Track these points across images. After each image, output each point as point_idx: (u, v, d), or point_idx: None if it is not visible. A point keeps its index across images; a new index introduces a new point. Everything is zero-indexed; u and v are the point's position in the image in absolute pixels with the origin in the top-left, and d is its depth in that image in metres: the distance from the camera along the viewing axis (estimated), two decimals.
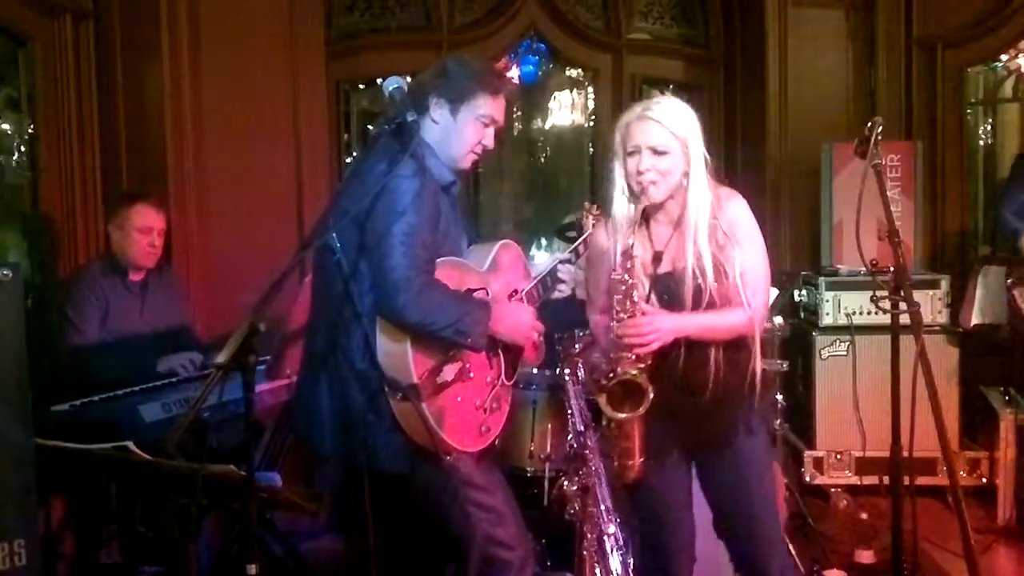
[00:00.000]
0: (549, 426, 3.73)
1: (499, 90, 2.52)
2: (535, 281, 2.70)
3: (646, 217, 2.44)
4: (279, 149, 4.50)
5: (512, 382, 2.68)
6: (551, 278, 2.74)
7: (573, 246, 2.94)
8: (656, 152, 2.37)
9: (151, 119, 4.18)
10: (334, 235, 2.26)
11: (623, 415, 2.35)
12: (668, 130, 2.36)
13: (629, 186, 2.42)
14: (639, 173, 2.37)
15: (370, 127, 5.21)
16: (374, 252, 2.29)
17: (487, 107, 2.50)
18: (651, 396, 2.30)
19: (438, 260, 2.38)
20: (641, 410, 2.32)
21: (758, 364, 2.44)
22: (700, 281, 2.37)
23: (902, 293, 2.42)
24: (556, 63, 5.56)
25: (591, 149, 5.64)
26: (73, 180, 4.04)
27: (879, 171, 2.48)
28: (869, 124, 2.50)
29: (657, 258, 2.44)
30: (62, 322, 3.42)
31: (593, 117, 5.59)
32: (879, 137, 2.47)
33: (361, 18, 5.08)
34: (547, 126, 5.68)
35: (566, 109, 5.69)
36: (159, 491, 2.90)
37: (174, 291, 3.82)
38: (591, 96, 5.58)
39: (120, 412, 2.85)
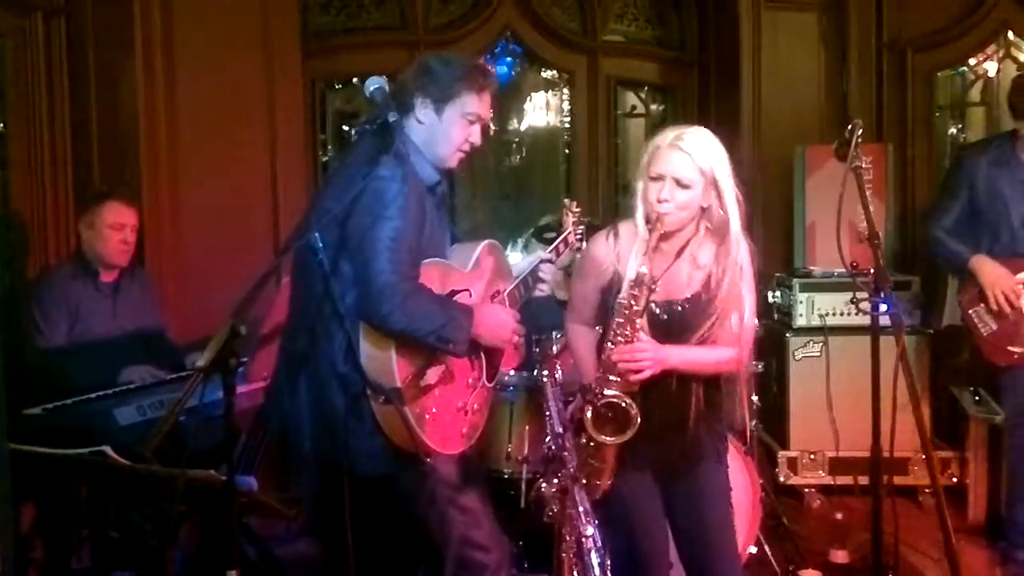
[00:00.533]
0: (527, 428, 3.73)
1: (484, 87, 2.52)
2: (517, 281, 2.70)
3: (648, 241, 2.41)
4: (254, 148, 4.47)
5: (493, 384, 2.67)
6: (532, 278, 2.74)
7: (553, 244, 2.95)
8: (680, 184, 2.36)
9: (124, 117, 4.13)
10: (316, 235, 2.24)
11: (606, 439, 2.34)
12: (696, 164, 2.35)
13: (649, 210, 2.41)
14: (659, 202, 2.36)
15: (345, 127, 5.20)
16: (357, 254, 2.28)
17: (473, 105, 2.49)
18: (637, 423, 2.31)
19: (423, 261, 2.37)
20: (625, 437, 2.34)
21: (745, 403, 2.48)
22: (720, 317, 2.39)
23: (882, 295, 2.44)
24: (531, 65, 5.56)
25: (567, 151, 5.64)
26: (44, 178, 3.98)
27: (859, 174, 2.51)
28: (850, 127, 2.54)
29: (652, 283, 2.40)
30: (29, 326, 3.36)
31: (569, 119, 5.59)
32: (859, 140, 2.50)
33: (336, 17, 5.04)
34: (522, 127, 5.67)
35: (541, 111, 5.70)
36: (137, 496, 2.87)
37: (147, 292, 3.77)
38: (566, 97, 5.58)
39: (94, 416, 2.81)
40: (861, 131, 2.51)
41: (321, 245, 2.25)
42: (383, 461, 2.38)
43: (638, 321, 2.35)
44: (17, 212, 3.89)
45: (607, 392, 2.35)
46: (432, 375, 2.37)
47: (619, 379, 2.35)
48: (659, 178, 2.38)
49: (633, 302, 2.34)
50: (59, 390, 3.12)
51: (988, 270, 3.63)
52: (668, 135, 2.41)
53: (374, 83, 2.37)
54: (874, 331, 2.57)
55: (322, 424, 2.38)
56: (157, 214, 4.15)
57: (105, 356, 3.44)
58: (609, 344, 2.36)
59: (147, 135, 4.14)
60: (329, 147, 5.14)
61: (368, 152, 2.32)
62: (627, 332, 2.35)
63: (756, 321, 2.53)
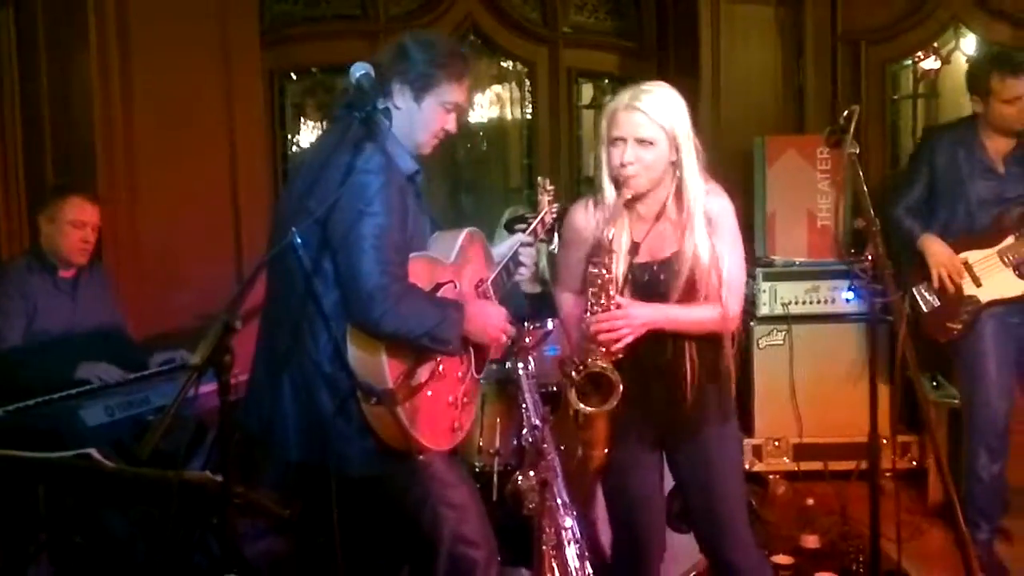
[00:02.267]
0: (498, 420, 3.72)
1: (463, 75, 2.46)
2: (499, 268, 2.68)
3: (625, 206, 2.42)
4: (212, 140, 4.39)
5: (481, 375, 2.65)
6: (513, 263, 2.72)
7: (532, 225, 2.91)
8: (641, 143, 2.34)
9: (77, 109, 4.03)
10: (294, 232, 2.16)
11: (591, 409, 2.34)
12: (655, 121, 2.33)
13: (615, 175, 2.39)
14: (622, 165, 2.35)
15: (303, 118, 5.12)
16: (341, 252, 2.22)
17: (451, 93, 2.44)
18: (620, 391, 2.31)
19: (409, 255, 2.32)
20: (609, 405, 2.33)
21: (730, 361, 2.48)
22: (696, 273, 2.38)
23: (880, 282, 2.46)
24: (491, 55, 5.53)
25: (527, 142, 5.62)
26: None
27: (854, 160, 2.52)
28: (846, 112, 2.54)
29: (634, 248, 2.43)
30: None
31: (530, 110, 5.57)
32: (854, 126, 2.51)
33: (295, 6, 4.95)
34: (483, 119, 5.64)
35: (501, 102, 5.67)
36: (125, 500, 2.79)
37: (106, 289, 3.69)
38: (528, 89, 5.57)
39: (60, 417, 2.73)
40: (856, 117, 2.51)
41: (300, 241, 2.18)
42: (373, 461, 2.34)
43: (611, 288, 2.34)
44: None
45: (588, 362, 2.33)
46: (423, 373, 2.33)
47: (602, 349, 2.34)
48: (620, 140, 2.36)
49: (603, 270, 2.34)
50: (15, 390, 3.02)
51: (935, 250, 3.70)
52: (624, 96, 2.39)
53: (360, 68, 2.30)
54: (872, 318, 2.59)
55: (309, 427, 2.32)
56: (113, 207, 4.04)
57: (64, 354, 3.35)
58: (587, 314, 2.36)
59: (102, 128, 4.04)
60: (289, 138, 5.04)
61: (352, 141, 2.25)
62: (602, 301, 2.34)
63: (743, 275, 2.50)
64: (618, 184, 2.38)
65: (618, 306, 2.34)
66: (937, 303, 3.74)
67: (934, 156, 3.81)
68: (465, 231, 2.60)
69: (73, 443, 2.63)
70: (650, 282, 2.43)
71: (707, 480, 2.52)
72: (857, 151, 2.54)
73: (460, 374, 2.51)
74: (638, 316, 2.35)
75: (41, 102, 3.98)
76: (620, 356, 2.36)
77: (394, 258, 2.23)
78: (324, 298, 2.26)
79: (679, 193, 2.41)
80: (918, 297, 3.77)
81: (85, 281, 3.55)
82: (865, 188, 2.52)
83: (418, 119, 2.42)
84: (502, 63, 5.56)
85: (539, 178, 2.99)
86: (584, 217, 2.51)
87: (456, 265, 2.51)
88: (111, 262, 3.95)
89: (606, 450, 2.46)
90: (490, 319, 2.49)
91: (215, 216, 4.35)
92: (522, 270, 2.76)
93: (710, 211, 2.42)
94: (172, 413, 1.74)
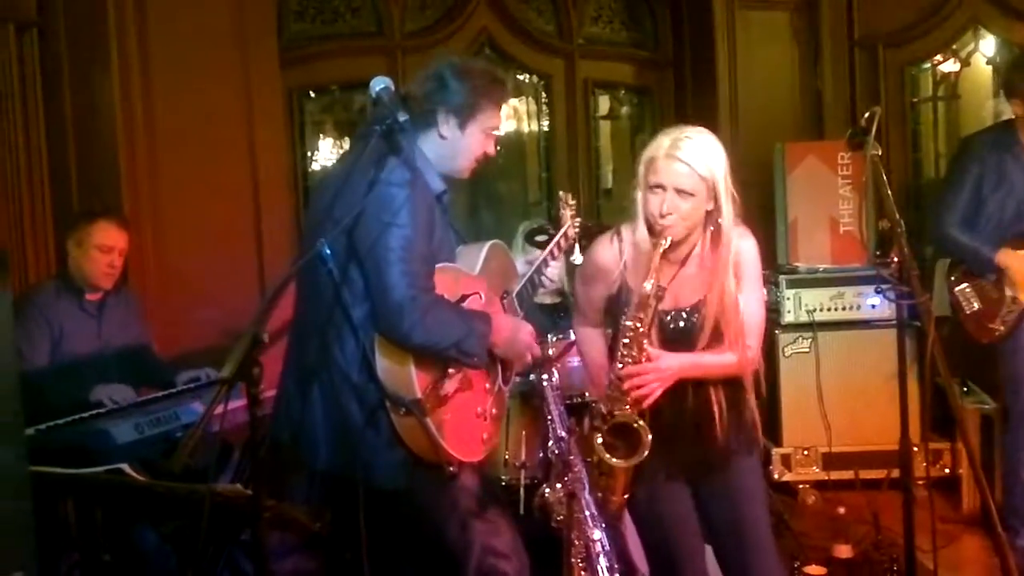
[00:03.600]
0: (523, 433, 3.70)
1: (503, 99, 2.52)
2: (523, 282, 2.68)
3: (652, 251, 2.38)
4: (234, 158, 4.41)
5: (509, 386, 2.64)
6: (538, 276, 2.72)
7: (554, 240, 2.91)
8: (680, 193, 2.31)
9: (101, 131, 4.05)
10: (324, 243, 2.18)
11: (618, 463, 2.33)
12: (696, 172, 2.30)
13: (649, 220, 2.37)
14: (661, 215, 2.32)
15: (322, 135, 5.14)
16: (368, 264, 2.23)
17: (493, 119, 2.48)
18: (648, 444, 2.29)
19: (436, 266, 2.34)
20: (636, 459, 2.31)
21: (752, 402, 2.48)
22: (721, 319, 2.38)
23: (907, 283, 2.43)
24: (505, 70, 5.53)
25: (545, 155, 5.62)
26: (21, 195, 3.89)
27: (876, 162, 2.50)
28: (867, 114, 2.52)
29: (660, 292, 2.38)
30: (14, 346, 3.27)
31: (547, 122, 5.57)
32: (876, 129, 2.49)
33: (312, 25, 4.98)
34: (500, 133, 5.63)
35: (518, 116, 5.67)
36: (155, 515, 2.80)
37: (132, 310, 3.70)
38: (544, 101, 5.57)
39: (91, 435, 2.74)
40: (877, 119, 2.49)
41: (329, 253, 2.19)
42: (403, 474, 2.34)
43: (645, 342, 2.32)
44: None
45: (616, 413, 2.33)
46: (451, 384, 2.34)
47: (629, 399, 2.33)
48: (659, 188, 2.33)
49: (639, 324, 2.31)
50: (43, 411, 3.04)
51: (1018, 266, 3.66)
52: (663, 143, 2.35)
53: (380, 83, 2.33)
54: (900, 322, 2.57)
55: (338, 436, 2.33)
56: (138, 228, 4.06)
57: (91, 375, 3.37)
58: (618, 365, 2.34)
59: (126, 150, 4.07)
60: (308, 155, 5.07)
61: (376, 155, 2.27)
62: (634, 352, 2.32)
63: (763, 316, 2.50)
64: (653, 231, 2.36)
65: (649, 358, 2.32)
66: (978, 304, 3.71)
67: (976, 164, 3.78)
68: (488, 244, 2.62)
69: (103, 461, 2.65)
70: (676, 329, 2.42)
71: (736, 507, 2.50)
72: (879, 153, 2.52)
73: (488, 386, 2.52)
74: (668, 368, 2.34)
75: (65, 124, 4.01)
76: (646, 406, 2.35)
77: (420, 270, 2.24)
78: (352, 308, 2.27)
79: (715, 241, 2.40)
80: (960, 298, 3.75)
81: (112, 303, 3.57)
82: (889, 190, 2.49)
83: (462, 146, 2.44)
84: (518, 76, 5.57)
85: (560, 192, 2.99)
86: (609, 253, 2.48)
87: (481, 277, 2.52)
88: (136, 281, 3.96)
89: (625, 497, 2.45)
90: (518, 333, 2.51)
91: (237, 234, 4.37)
92: (546, 282, 2.76)
93: (738, 253, 2.41)
94: (204, 425, 1.73)
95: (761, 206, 5.07)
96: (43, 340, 3.36)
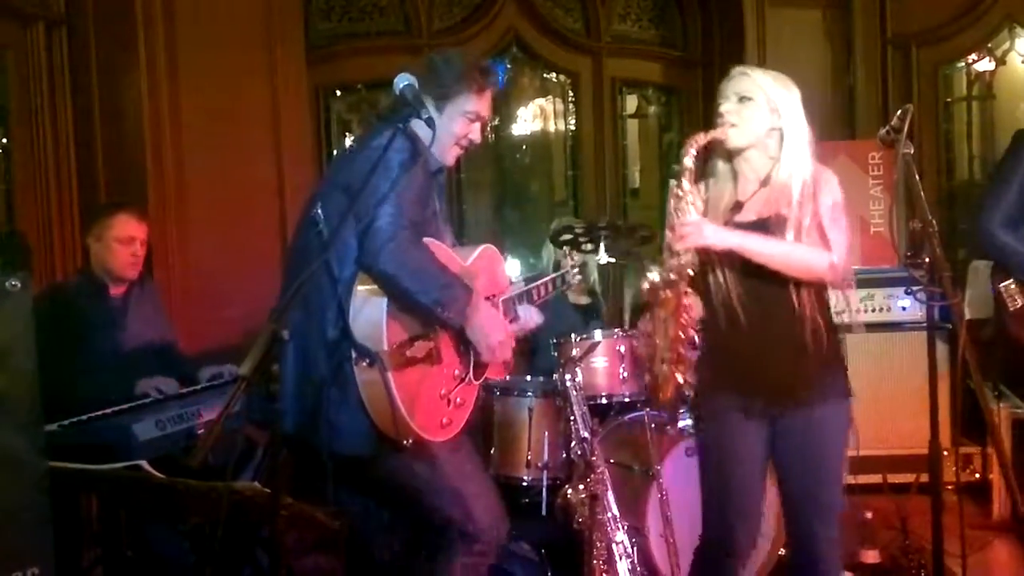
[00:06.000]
0: (545, 433, 3.67)
1: (485, 87, 2.57)
2: (509, 296, 2.72)
3: (734, 169, 2.48)
4: (260, 156, 4.42)
5: (479, 383, 2.64)
6: (561, 280, 2.74)
7: (548, 278, 2.97)
8: (741, 98, 2.42)
9: (128, 128, 4.08)
10: (319, 211, 2.27)
11: (654, 279, 2.36)
12: (756, 83, 2.44)
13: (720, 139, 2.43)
14: (720, 115, 2.42)
15: (348, 134, 5.15)
16: (365, 216, 2.28)
17: (473, 104, 2.55)
18: (683, 287, 2.36)
19: (425, 239, 2.38)
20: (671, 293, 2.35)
21: (854, 316, 2.44)
22: (782, 235, 2.36)
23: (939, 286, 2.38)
24: (533, 68, 5.52)
25: (571, 154, 5.59)
26: (49, 192, 3.94)
27: (909, 161, 2.44)
28: (900, 112, 2.48)
29: (737, 207, 2.45)
30: (41, 342, 3.28)
31: (574, 121, 5.54)
32: (909, 126, 2.44)
33: (339, 23, 5.00)
34: (527, 132, 5.63)
35: (544, 115, 5.65)
36: (173, 513, 2.80)
37: (156, 305, 3.70)
38: (571, 100, 5.54)
39: (113, 432, 2.73)
40: (911, 116, 2.44)
41: (322, 216, 2.26)
42: (365, 441, 2.36)
43: (686, 205, 2.36)
44: (22, 227, 3.83)
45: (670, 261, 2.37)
46: (420, 349, 2.36)
47: (671, 256, 2.36)
48: (724, 99, 2.45)
49: (684, 183, 2.37)
50: (69, 407, 3.06)
51: None
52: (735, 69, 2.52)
53: (404, 79, 2.41)
54: (930, 324, 2.51)
55: (305, 397, 2.34)
56: (164, 224, 4.10)
57: (116, 371, 3.37)
58: (667, 232, 2.40)
59: (152, 147, 4.10)
60: (334, 153, 5.07)
61: (383, 131, 2.35)
62: (681, 210, 2.37)
63: (846, 244, 2.43)
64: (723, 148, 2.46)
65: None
66: (1021, 302, 3.64)
67: None
68: (483, 246, 2.69)
69: (125, 457, 2.64)
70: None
71: (813, 461, 2.45)
72: (912, 151, 2.46)
73: (457, 372, 2.53)
74: (707, 227, 2.35)
75: (93, 122, 4.05)
76: (689, 264, 2.37)
77: (408, 213, 2.31)
78: (339, 270, 2.31)
79: (775, 160, 2.43)
80: (1005, 295, 3.67)
81: (135, 298, 3.58)
82: (920, 189, 2.43)
83: (441, 128, 2.50)
84: (545, 75, 5.55)
85: (565, 249, 3.00)
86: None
87: (470, 269, 2.55)
88: (161, 277, 3.99)
89: (677, 372, 2.39)
90: (494, 324, 2.51)
91: (262, 232, 4.38)
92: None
93: (819, 180, 2.42)
94: (222, 422, 1.72)
95: None
96: (69, 335, 3.38)
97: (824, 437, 2.45)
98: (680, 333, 2.39)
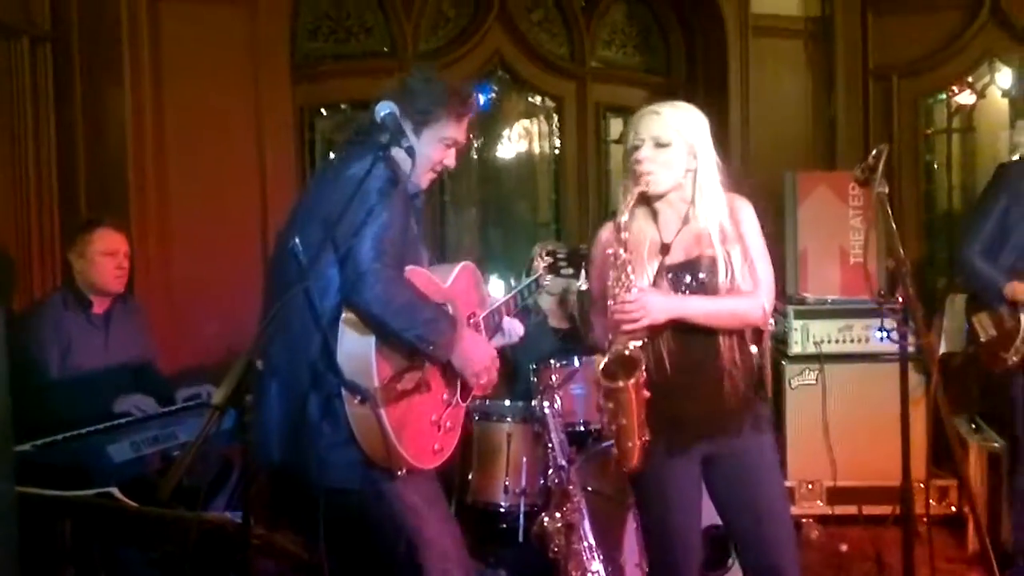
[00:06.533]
0: (524, 459, 3.67)
1: (464, 113, 2.57)
2: (490, 311, 2.70)
3: (654, 211, 2.48)
4: (243, 174, 4.40)
5: (467, 403, 2.64)
6: (535, 285, 2.82)
7: (523, 284, 2.96)
8: (658, 144, 2.41)
9: (111, 144, 4.07)
10: (296, 241, 2.23)
11: (619, 383, 2.30)
12: (670, 126, 2.43)
13: (638, 183, 2.43)
14: (637, 161, 2.42)
15: (332, 154, 5.14)
16: (344, 248, 2.27)
17: (451, 130, 2.55)
18: (643, 364, 2.30)
19: (407, 268, 2.37)
20: (634, 379, 2.29)
21: (767, 359, 2.47)
22: (715, 275, 2.39)
23: (911, 323, 2.42)
24: (519, 91, 5.54)
25: (555, 178, 5.61)
26: (29, 207, 3.92)
27: (883, 200, 2.48)
28: (875, 152, 2.51)
29: (665, 249, 2.45)
30: (23, 360, 3.27)
31: (558, 144, 5.57)
32: (885, 162, 2.48)
33: (325, 43, 5.00)
34: (511, 155, 5.65)
35: (529, 136, 5.67)
36: (144, 540, 2.78)
37: (138, 323, 3.69)
38: (555, 124, 5.57)
39: (87, 453, 2.73)
40: (885, 156, 2.48)
41: (301, 248, 2.22)
42: (356, 473, 2.34)
43: (629, 268, 2.34)
44: (1, 242, 3.80)
45: (615, 347, 2.34)
46: (409, 380, 2.35)
47: (622, 334, 2.34)
48: (639, 144, 2.44)
49: (620, 248, 2.35)
50: (49, 424, 3.04)
51: None
52: (646, 107, 2.52)
53: (386, 107, 2.39)
54: (903, 360, 2.54)
55: (292, 431, 2.33)
56: (145, 241, 4.08)
57: (95, 389, 3.36)
58: (610, 301, 2.36)
59: (135, 163, 4.08)
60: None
61: (360, 157, 2.34)
62: (623, 281, 2.34)
63: (771, 273, 2.49)
64: (637, 182, 2.44)
65: (640, 289, 2.35)
66: (993, 332, 3.69)
67: (1004, 193, 3.77)
68: (461, 264, 2.67)
69: (99, 479, 2.64)
70: (685, 284, 2.43)
71: (752, 484, 2.47)
72: (887, 190, 2.51)
73: (445, 396, 2.53)
74: (653, 303, 2.34)
75: (76, 138, 4.03)
76: (642, 339, 2.35)
77: (390, 250, 2.30)
78: (320, 301, 2.30)
79: (697, 199, 2.45)
80: (977, 326, 3.74)
81: (117, 317, 3.56)
82: (895, 227, 2.47)
83: (419, 154, 2.47)
84: (530, 98, 5.57)
85: (538, 245, 3.01)
86: (607, 232, 2.52)
87: (449, 290, 2.55)
88: (142, 293, 3.96)
89: (641, 440, 2.35)
90: (478, 350, 2.52)
91: (243, 250, 4.35)
92: (510, 336, 2.79)
93: (735, 212, 2.46)
94: (193, 453, 1.71)
95: (770, 235, 5.03)
96: (53, 351, 3.37)
97: (751, 469, 2.47)
98: (643, 406, 2.35)
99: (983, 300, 3.79)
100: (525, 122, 5.67)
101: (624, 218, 2.36)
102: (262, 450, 2.38)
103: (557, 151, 5.57)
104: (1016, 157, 4.09)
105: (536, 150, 5.66)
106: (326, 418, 2.31)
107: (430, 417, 2.47)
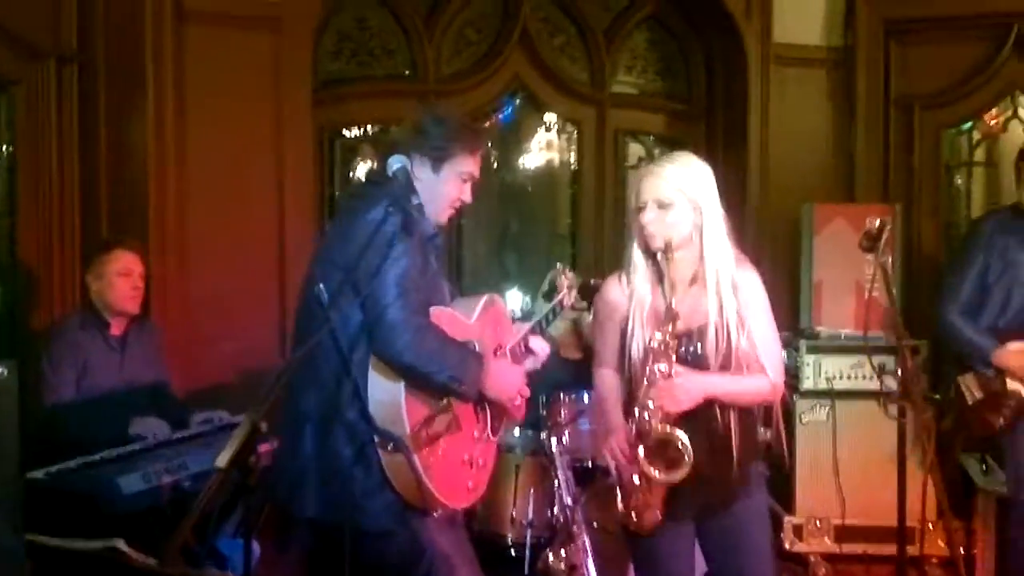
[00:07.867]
0: (531, 491, 3.70)
1: (478, 147, 2.63)
2: (518, 339, 2.72)
3: (658, 271, 2.46)
4: (263, 196, 4.45)
5: (497, 437, 2.68)
6: (523, 347, 2.76)
7: (550, 306, 2.95)
8: (661, 205, 2.40)
9: (133, 166, 4.13)
10: (322, 287, 2.28)
11: (659, 476, 2.32)
12: (673, 185, 2.41)
13: (645, 243, 2.45)
14: (643, 226, 2.42)
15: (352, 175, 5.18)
16: (367, 297, 2.31)
17: (467, 165, 2.59)
18: (688, 465, 2.31)
19: (431, 308, 2.41)
20: (677, 476, 2.32)
21: (780, 431, 2.48)
22: (723, 338, 2.39)
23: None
24: (538, 111, 5.55)
25: (572, 202, 5.62)
26: (51, 226, 3.99)
27: (886, 269, 2.49)
28: (878, 222, 2.53)
29: (673, 315, 2.43)
30: (38, 380, 3.33)
31: (576, 169, 5.58)
32: (887, 236, 2.49)
33: (347, 65, 5.04)
34: (529, 176, 5.66)
35: (549, 159, 5.68)
36: None
37: (154, 346, 3.74)
38: (574, 148, 5.58)
39: (98, 483, 2.76)
40: (889, 227, 2.49)
41: (327, 296, 2.26)
42: (391, 516, 2.38)
43: (672, 354, 2.36)
44: (24, 261, 3.87)
45: (659, 427, 2.34)
46: (440, 423, 2.39)
47: (658, 413, 2.35)
48: (643, 206, 2.43)
49: (668, 338, 2.35)
50: (64, 445, 3.08)
51: (1016, 365, 3.57)
52: (647, 166, 2.56)
53: (398, 162, 2.46)
54: (901, 412, 2.56)
55: (328, 480, 2.37)
56: (164, 262, 4.13)
57: (111, 410, 3.41)
58: (646, 382, 2.37)
59: (156, 185, 4.13)
60: (337, 195, 5.10)
61: (375, 201, 2.39)
62: (663, 367, 2.35)
63: (779, 346, 2.53)
64: (647, 249, 2.44)
65: (677, 374, 2.36)
66: (979, 395, 3.64)
67: (981, 251, 3.69)
68: (485, 296, 2.70)
69: (109, 510, 2.67)
70: (690, 351, 2.43)
71: (739, 568, 2.50)
72: (889, 259, 2.52)
73: (476, 433, 2.57)
74: (691, 387, 2.36)
75: (99, 159, 4.09)
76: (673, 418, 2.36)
77: (414, 296, 2.34)
78: (349, 349, 2.34)
79: (703, 257, 2.45)
80: (963, 388, 3.67)
81: (133, 339, 3.62)
82: (896, 302, 2.50)
83: (437, 191, 2.55)
84: (544, 116, 5.58)
85: (558, 264, 3.03)
86: (618, 290, 2.54)
87: (475, 326, 2.58)
88: (159, 315, 4.01)
89: (659, 513, 2.40)
90: (508, 377, 2.56)
91: (262, 272, 4.40)
92: (534, 360, 2.78)
93: (737, 281, 2.44)
94: (197, 515, 1.75)
95: (786, 266, 5.03)
96: (70, 370, 3.42)
97: (741, 535, 2.49)
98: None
99: (967, 362, 3.71)
100: (543, 143, 5.68)
101: (672, 302, 2.36)
102: (300, 502, 2.43)
103: (574, 170, 5.57)
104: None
105: (556, 161, 5.65)
106: (358, 464, 2.35)
107: (462, 456, 2.51)
